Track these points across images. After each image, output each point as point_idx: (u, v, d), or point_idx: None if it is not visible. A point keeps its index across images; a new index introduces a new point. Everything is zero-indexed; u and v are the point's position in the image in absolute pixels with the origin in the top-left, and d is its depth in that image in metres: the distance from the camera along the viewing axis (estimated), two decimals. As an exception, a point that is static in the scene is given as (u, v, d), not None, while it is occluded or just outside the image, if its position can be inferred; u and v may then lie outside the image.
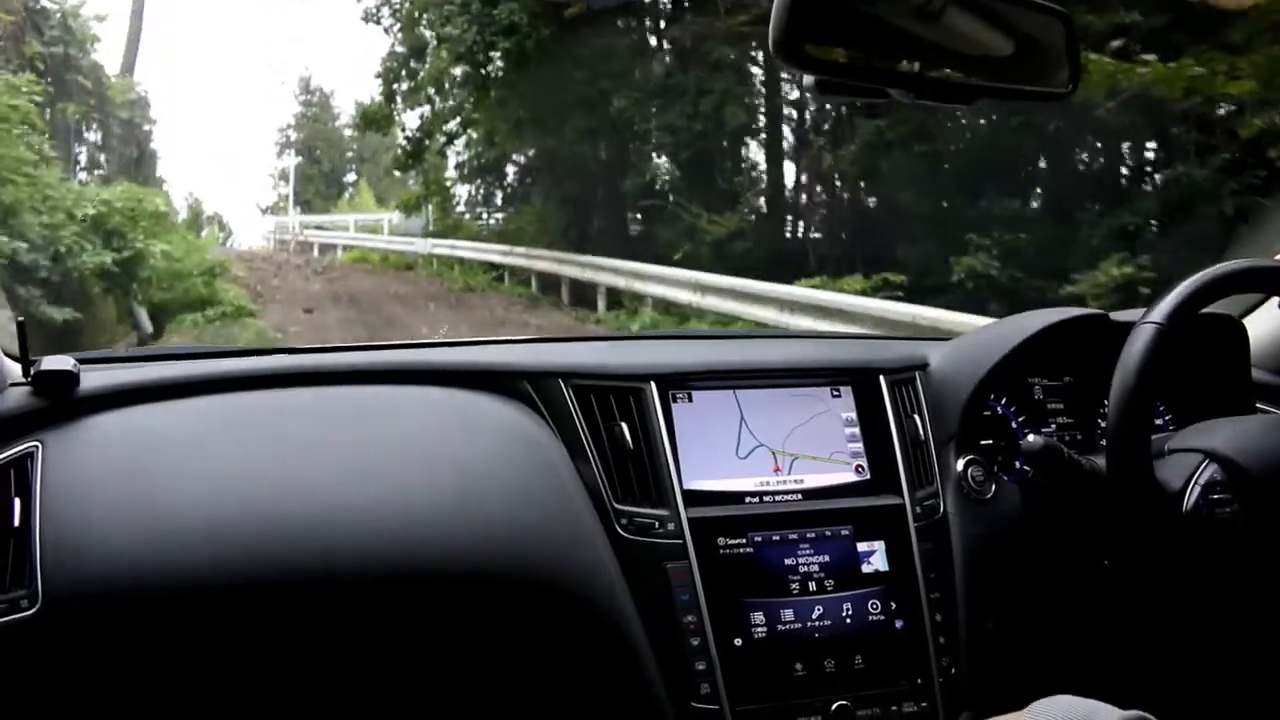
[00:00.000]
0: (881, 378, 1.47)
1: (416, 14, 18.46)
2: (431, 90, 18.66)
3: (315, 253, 23.47)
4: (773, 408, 1.43)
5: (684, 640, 1.26)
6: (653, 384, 1.37)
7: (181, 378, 1.33)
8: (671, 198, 14.70)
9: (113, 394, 1.29)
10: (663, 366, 1.40)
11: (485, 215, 21.52)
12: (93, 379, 1.29)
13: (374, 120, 20.11)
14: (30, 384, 1.26)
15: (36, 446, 1.21)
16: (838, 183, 13.90)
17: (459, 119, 18.92)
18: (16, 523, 1.15)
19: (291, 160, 39.39)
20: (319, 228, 27.73)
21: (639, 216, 16.37)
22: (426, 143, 19.43)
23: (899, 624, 1.34)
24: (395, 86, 19.06)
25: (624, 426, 1.34)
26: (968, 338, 1.62)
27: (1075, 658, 1.46)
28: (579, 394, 1.36)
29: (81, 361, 1.30)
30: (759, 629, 1.29)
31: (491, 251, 17.32)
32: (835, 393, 1.47)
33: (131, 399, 1.29)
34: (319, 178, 38.35)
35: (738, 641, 1.28)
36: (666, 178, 15.24)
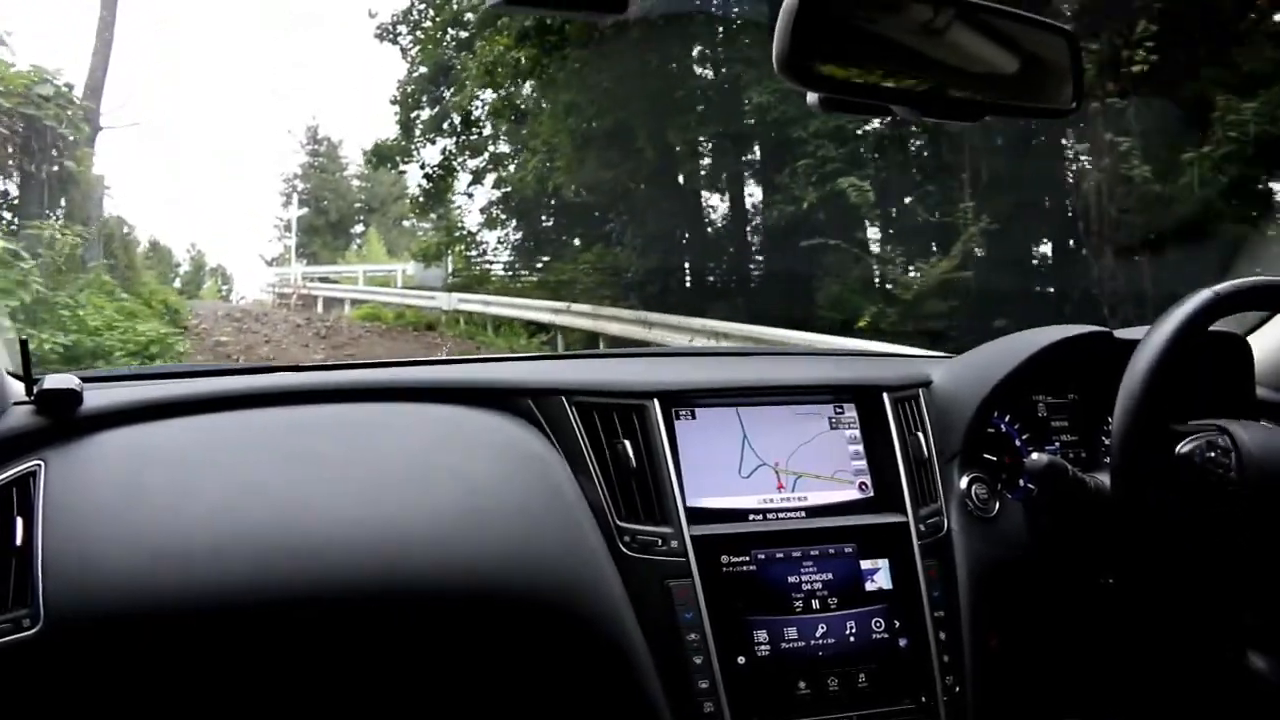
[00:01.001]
0: (885, 395, 1.46)
1: (439, 31, 16.49)
2: (457, 118, 16.59)
3: (319, 308, 20.51)
4: (776, 425, 1.43)
5: (687, 658, 1.25)
6: (656, 402, 1.37)
7: (185, 396, 1.32)
8: (828, 238, 10.19)
9: (115, 412, 1.28)
10: (666, 384, 1.40)
11: (515, 265, 18.38)
12: (95, 397, 1.28)
13: (388, 156, 17.85)
14: (33, 403, 1.26)
15: (39, 465, 1.20)
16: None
17: (487, 154, 16.91)
18: (19, 542, 1.15)
19: (296, 211, 38.22)
20: (324, 279, 25.07)
21: (760, 260, 12.68)
22: (449, 180, 17.32)
23: (903, 642, 1.34)
24: (413, 115, 17.12)
25: (627, 444, 1.34)
26: (971, 355, 1.62)
27: (1079, 676, 1.46)
28: (582, 411, 1.36)
29: (85, 380, 1.29)
30: (762, 647, 1.29)
31: (537, 309, 13.61)
32: (839, 410, 1.47)
33: (134, 417, 1.29)
34: (325, 229, 37.34)
35: (741, 660, 1.27)
36: (827, 208, 10.47)
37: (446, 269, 18.64)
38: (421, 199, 18.62)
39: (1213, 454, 1.25)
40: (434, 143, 17.34)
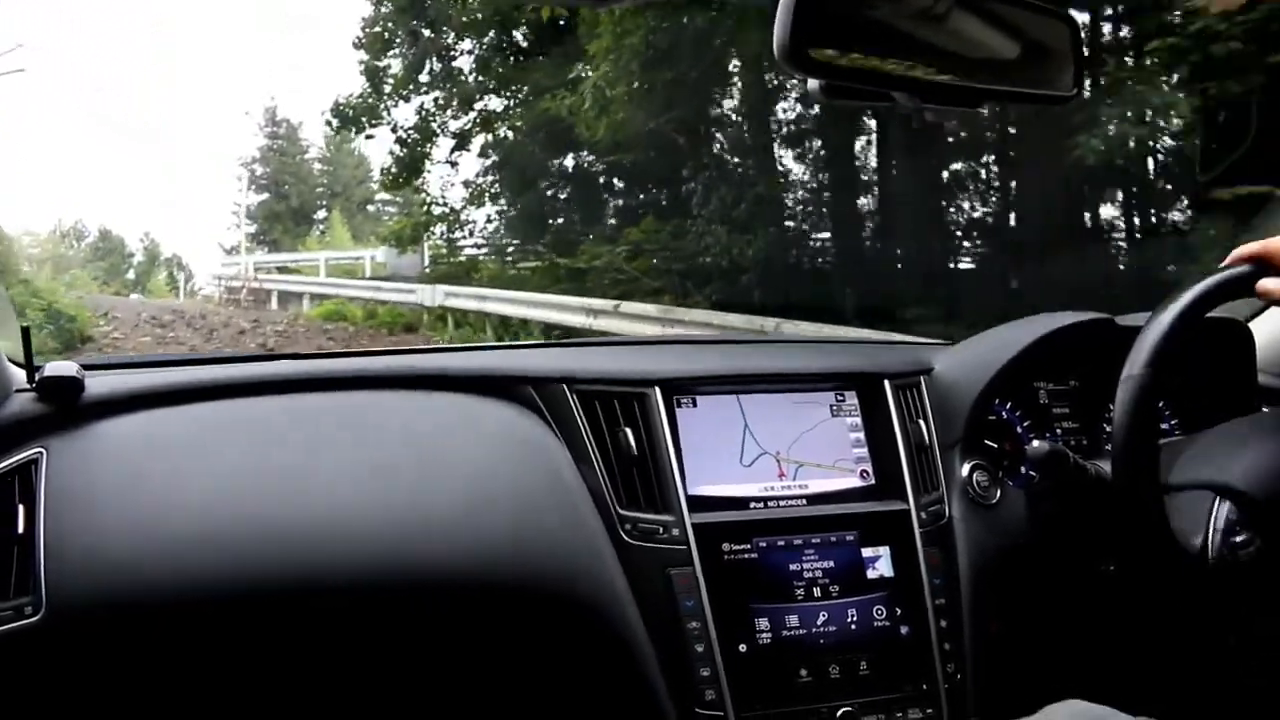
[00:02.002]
0: (886, 383, 1.46)
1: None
2: (437, 64, 13.14)
3: (274, 304, 17.88)
4: (777, 413, 1.43)
5: (688, 646, 1.26)
6: (657, 389, 1.37)
7: (187, 383, 1.33)
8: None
9: (118, 400, 1.28)
10: (667, 372, 1.40)
11: (510, 247, 15.20)
12: (97, 385, 1.28)
13: (353, 119, 14.55)
14: (35, 390, 1.26)
15: (41, 453, 1.20)
16: None
17: (474, 112, 13.42)
18: (21, 529, 1.15)
19: (255, 197, 36.92)
20: (281, 269, 22.35)
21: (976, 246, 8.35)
22: (427, 147, 14.19)
23: (904, 630, 1.34)
24: (383, 65, 13.74)
25: (628, 432, 1.34)
26: (973, 342, 1.61)
27: (1081, 663, 1.46)
28: (584, 399, 1.36)
29: (86, 368, 1.29)
30: (763, 635, 1.29)
31: (565, 308, 10.11)
32: (840, 398, 1.47)
33: (137, 405, 1.29)
34: (287, 214, 35.97)
35: (742, 647, 1.28)
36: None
37: (423, 256, 16.55)
38: (394, 170, 15.24)
39: (1234, 538, 1.18)
40: (408, 100, 14.28)
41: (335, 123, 15.45)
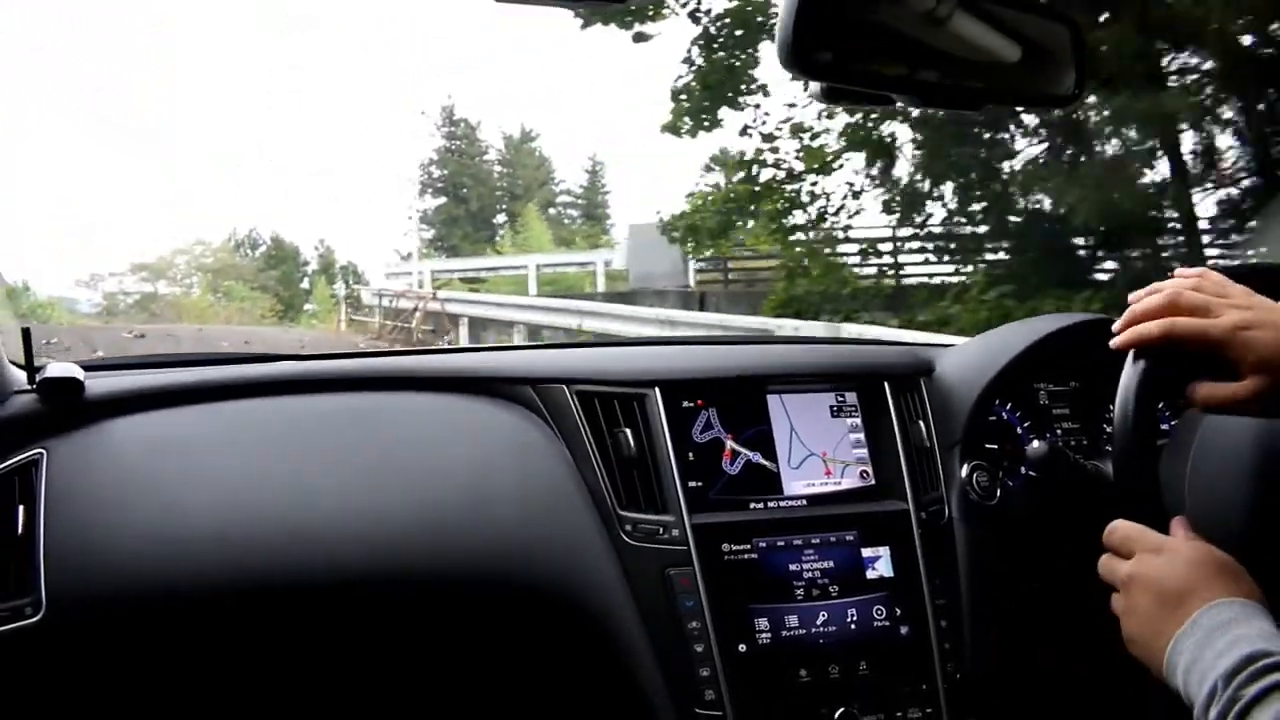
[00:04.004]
0: (886, 383, 1.46)
1: None
2: None
3: (463, 335, 12.56)
4: (777, 413, 1.43)
5: (688, 647, 1.26)
6: (657, 390, 1.37)
7: (188, 384, 1.33)
8: None
9: (119, 400, 1.28)
10: (666, 373, 1.40)
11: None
12: (98, 385, 1.28)
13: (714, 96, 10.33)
14: (35, 391, 1.26)
15: (41, 453, 1.20)
16: None
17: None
18: (21, 530, 1.15)
19: (431, 200, 34.40)
20: (472, 280, 15.90)
21: None
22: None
23: (904, 630, 1.34)
24: None
25: (628, 433, 1.34)
26: (973, 343, 1.62)
27: (1080, 664, 1.46)
28: (583, 400, 1.36)
29: (87, 368, 1.29)
30: (763, 635, 1.29)
31: None
32: (840, 398, 1.47)
33: (138, 405, 1.29)
34: (465, 218, 33.90)
35: (742, 648, 1.28)
36: None
37: (681, 260, 11.73)
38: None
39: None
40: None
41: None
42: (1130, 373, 1.23)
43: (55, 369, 1.26)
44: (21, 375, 1.29)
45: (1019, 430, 1.54)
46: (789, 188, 10.63)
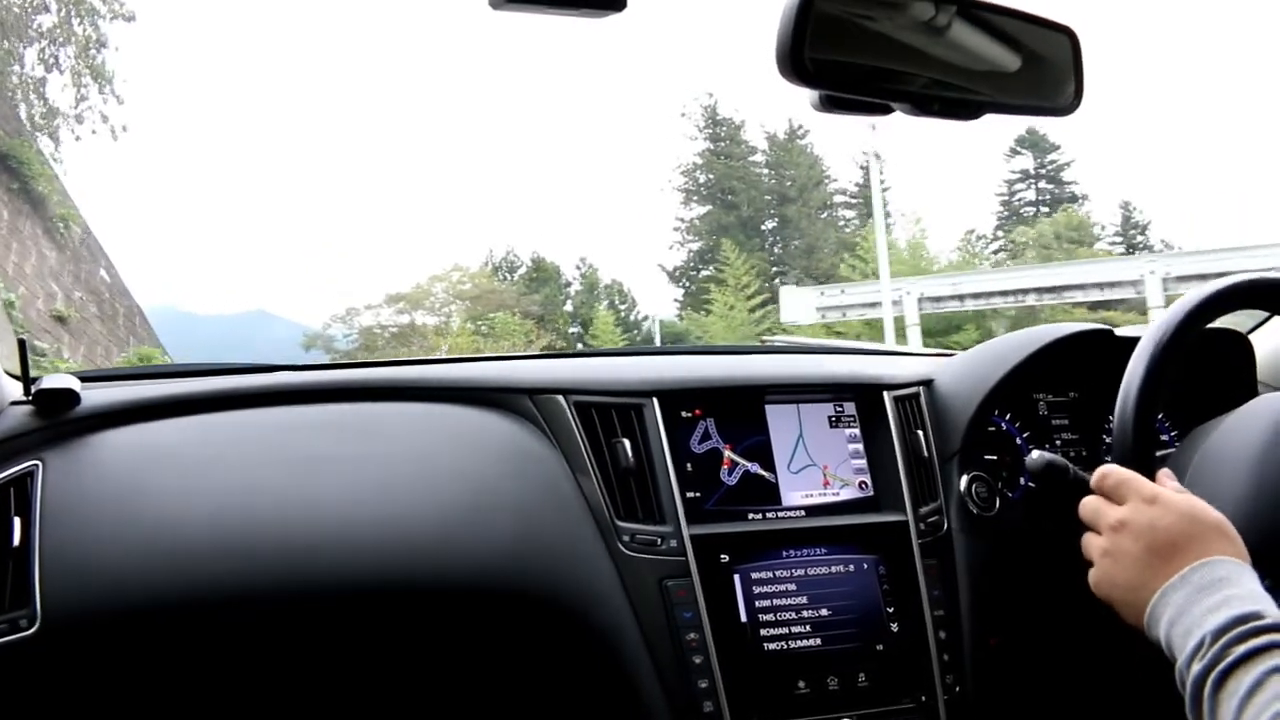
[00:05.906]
0: (885, 394, 1.46)
1: None
2: None
3: None
4: (776, 424, 1.43)
5: (686, 658, 1.25)
6: (655, 400, 1.37)
7: (184, 395, 1.32)
8: None
9: (114, 412, 1.28)
10: (665, 383, 1.39)
11: None
12: (94, 397, 1.28)
13: None
14: (31, 402, 1.25)
15: (37, 465, 1.20)
16: None
17: None
18: (16, 542, 1.15)
19: (697, 208, 31.47)
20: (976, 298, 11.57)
21: None
22: None
23: (903, 641, 1.34)
24: None
25: (625, 443, 1.34)
26: (972, 353, 1.61)
27: (1079, 675, 1.45)
28: (581, 411, 1.36)
29: (83, 379, 1.29)
30: (762, 646, 1.29)
31: None
32: (839, 408, 1.46)
33: (133, 417, 1.28)
34: (736, 226, 30.73)
35: (740, 659, 1.27)
36: None
37: None
38: None
39: None
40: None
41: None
42: (1130, 383, 1.23)
43: (51, 380, 1.25)
44: (17, 386, 1.28)
45: (1018, 441, 1.54)
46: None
